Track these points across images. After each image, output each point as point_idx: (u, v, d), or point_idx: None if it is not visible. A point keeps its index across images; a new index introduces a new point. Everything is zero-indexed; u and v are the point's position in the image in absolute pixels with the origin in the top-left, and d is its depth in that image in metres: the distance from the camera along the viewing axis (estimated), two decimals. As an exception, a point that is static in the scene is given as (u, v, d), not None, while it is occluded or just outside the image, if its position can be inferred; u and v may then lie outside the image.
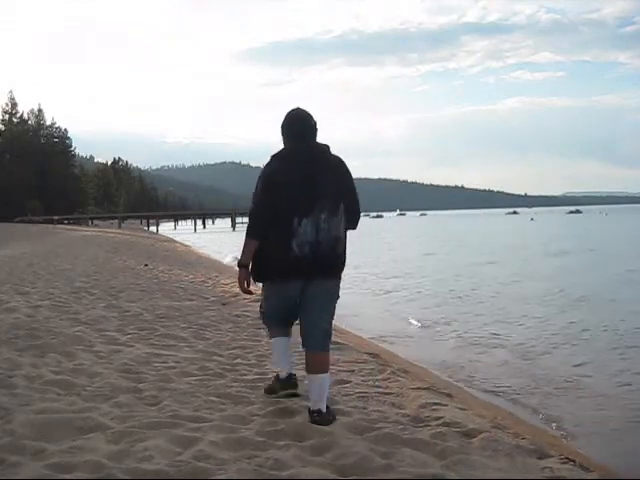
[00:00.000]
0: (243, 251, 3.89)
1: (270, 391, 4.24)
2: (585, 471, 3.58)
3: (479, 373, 6.96)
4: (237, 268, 3.94)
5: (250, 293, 4.11)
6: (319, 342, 3.83)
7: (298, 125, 3.94)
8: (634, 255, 23.31)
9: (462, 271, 19.18)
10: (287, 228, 3.73)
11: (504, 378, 6.76)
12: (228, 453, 3.19)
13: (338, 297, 3.93)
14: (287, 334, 4.17)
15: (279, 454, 3.22)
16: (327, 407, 3.78)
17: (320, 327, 3.83)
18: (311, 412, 3.76)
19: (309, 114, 3.97)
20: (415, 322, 10.41)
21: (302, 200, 3.73)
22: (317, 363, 3.80)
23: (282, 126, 3.99)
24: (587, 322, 10.04)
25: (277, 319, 4.12)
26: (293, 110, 4.00)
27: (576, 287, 14.64)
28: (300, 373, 4.33)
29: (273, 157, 3.94)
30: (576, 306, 11.96)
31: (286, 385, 4.18)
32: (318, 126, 3.97)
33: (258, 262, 3.87)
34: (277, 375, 4.24)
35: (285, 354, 4.18)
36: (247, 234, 3.88)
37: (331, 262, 3.81)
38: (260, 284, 4.10)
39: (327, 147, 3.93)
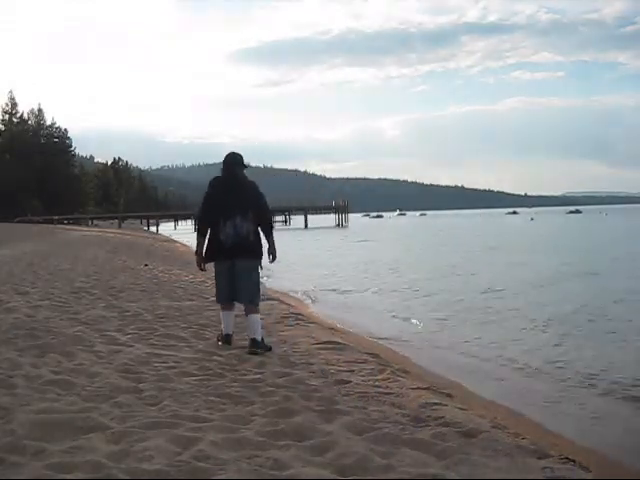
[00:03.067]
0: (197, 244, 6.20)
1: (225, 341, 6.11)
2: (585, 471, 3.59)
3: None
4: (195, 255, 6.33)
5: (203, 270, 6.30)
6: (248, 297, 5.96)
7: (229, 162, 6.06)
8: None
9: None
10: (217, 227, 5.92)
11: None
12: (228, 453, 3.19)
13: (258, 271, 6.04)
14: (232, 309, 6.13)
15: (279, 454, 3.22)
16: (262, 339, 5.96)
17: (247, 289, 5.94)
18: (250, 339, 5.91)
19: (239, 155, 6.09)
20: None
21: (225, 208, 5.87)
22: (250, 309, 5.97)
23: (223, 161, 6.09)
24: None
25: (224, 295, 6.05)
26: (229, 153, 6.13)
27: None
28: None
29: (212, 181, 6.14)
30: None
31: (228, 340, 6.12)
32: (245, 162, 6.08)
33: (206, 249, 6.08)
34: (223, 334, 6.17)
35: (230, 322, 6.18)
36: (197, 233, 6.19)
37: (245, 248, 5.89)
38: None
39: (245, 176, 6.08)
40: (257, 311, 6.03)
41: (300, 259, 25.29)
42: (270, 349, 5.96)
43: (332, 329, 8.60)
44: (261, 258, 6.02)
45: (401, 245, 36.60)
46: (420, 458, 3.28)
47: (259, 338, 5.90)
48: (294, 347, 6.40)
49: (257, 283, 6.10)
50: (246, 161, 6.10)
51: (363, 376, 5.25)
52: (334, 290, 15.18)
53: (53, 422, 3.49)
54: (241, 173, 6.05)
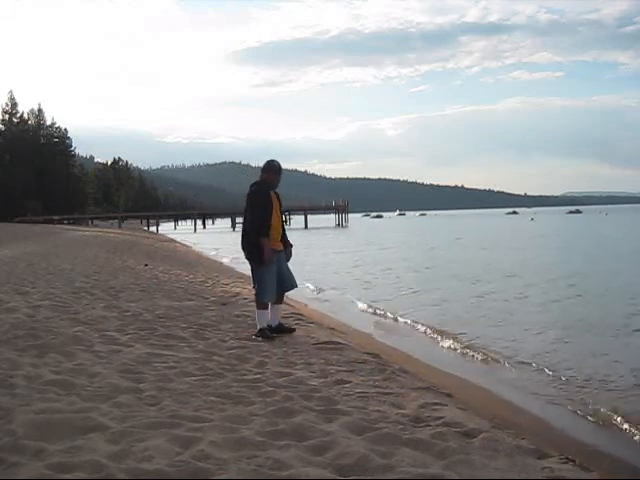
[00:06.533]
0: None
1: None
2: (585, 471, 3.58)
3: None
4: None
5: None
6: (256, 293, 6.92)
7: None
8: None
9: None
10: None
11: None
12: (228, 453, 3.19)
13: (257, 269, 6.79)
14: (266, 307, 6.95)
15: (279, 454, 3.22)
16: (264, 327, 6.79)
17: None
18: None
19: (265, 163, 7.15)
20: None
21: None
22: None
23: None
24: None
25: None
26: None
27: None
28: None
29: None
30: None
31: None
32: (269, 165, 7.10)
33: None
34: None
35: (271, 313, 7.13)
36: None
37: (244, 248, 6.89)
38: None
39: (255, 183, 7.04)
40: (258, 306, 6.87)
41: (300, 259, 25.27)
42: (291, 330, 7.19)
43: (332, 329, 8.59)
44: (253, 258, 6.81)
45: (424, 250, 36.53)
46: (420, 458, 3.28)
47: (258, 327, 6.82)
48: (294, 347, 6.40)
49: (258, 281, 6.84)
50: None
51: (363, 376, 5.25)
52: (334, 290, 15.16)
53: (53, 422, 3.48)
54: (256, 180, 7.07)
